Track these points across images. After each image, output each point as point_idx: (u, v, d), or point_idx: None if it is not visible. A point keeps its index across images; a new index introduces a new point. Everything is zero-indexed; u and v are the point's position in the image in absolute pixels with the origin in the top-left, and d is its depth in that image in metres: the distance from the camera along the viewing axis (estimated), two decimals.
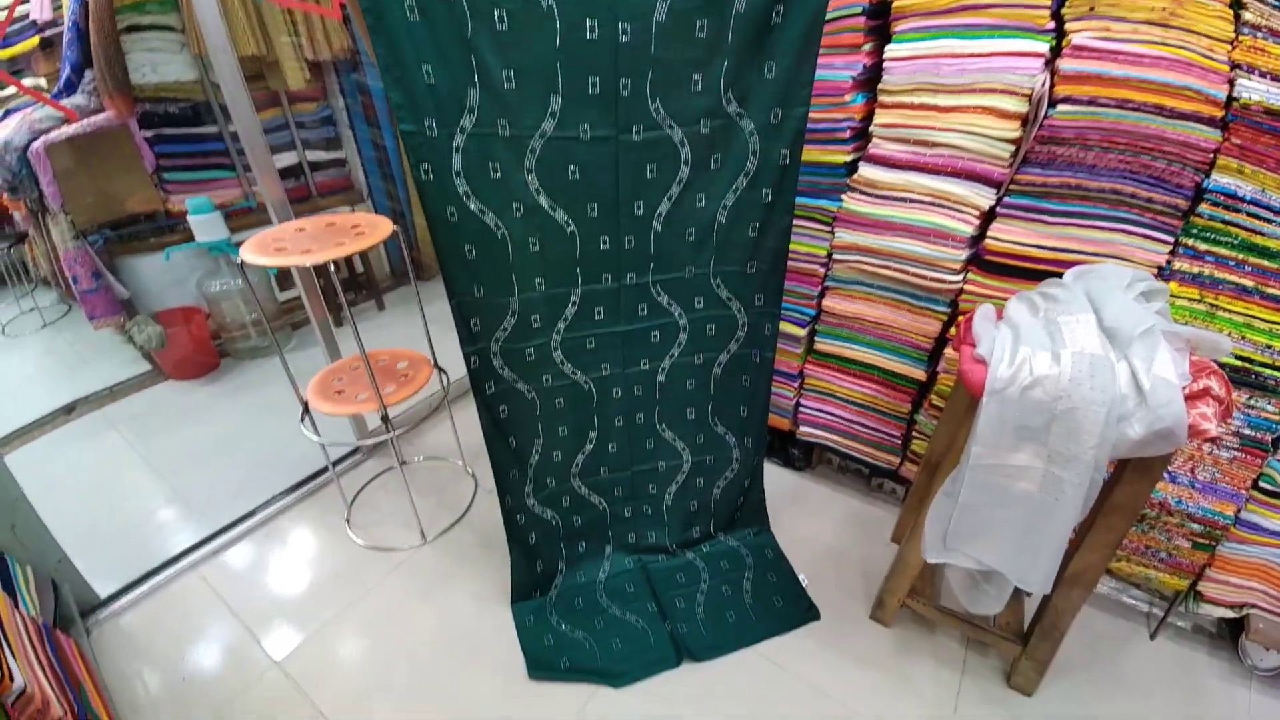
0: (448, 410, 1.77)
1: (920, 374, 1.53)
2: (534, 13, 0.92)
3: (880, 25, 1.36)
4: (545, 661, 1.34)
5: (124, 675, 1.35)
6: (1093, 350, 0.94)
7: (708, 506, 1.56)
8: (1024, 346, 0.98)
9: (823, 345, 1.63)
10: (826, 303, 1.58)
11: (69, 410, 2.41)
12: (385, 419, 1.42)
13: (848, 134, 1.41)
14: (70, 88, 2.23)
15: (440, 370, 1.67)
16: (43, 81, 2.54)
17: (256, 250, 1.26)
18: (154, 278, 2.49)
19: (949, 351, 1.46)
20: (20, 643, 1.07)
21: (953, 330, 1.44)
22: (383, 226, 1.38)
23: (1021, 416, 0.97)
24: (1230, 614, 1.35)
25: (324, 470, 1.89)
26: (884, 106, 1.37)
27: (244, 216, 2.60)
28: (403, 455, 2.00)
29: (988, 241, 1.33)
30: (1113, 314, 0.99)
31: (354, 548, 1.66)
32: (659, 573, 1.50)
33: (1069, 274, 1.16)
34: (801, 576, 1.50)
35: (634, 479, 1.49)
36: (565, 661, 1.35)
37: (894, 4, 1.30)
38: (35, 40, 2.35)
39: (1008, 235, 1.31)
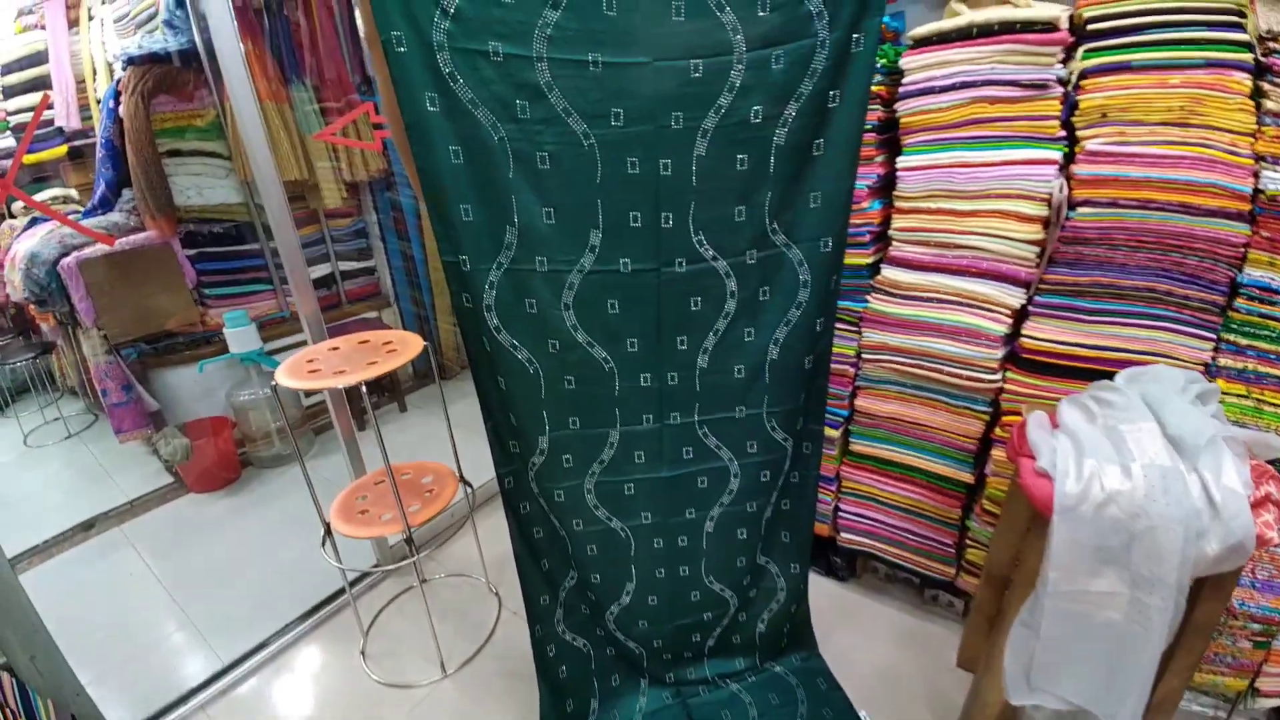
0: (472, 523, 1.72)
1: (967, 476, 1.46)
2: (575, 152, 0.95)
3: (889, 138, 1.42)
4: None
5: None
6: (1163, 462, 0.89)
7: (753, 640, 1.44)
8: (1089, 459, 0.94)
9: (859, 446, 1.57)
10: (859, 403, 1.54)
11: (88, 527, 2.38)
12: (410, 541, 1.36)
13: (868, 238, 1.44)
14: (106, 204, 2.33)
15: (466, 484, 1.63)
16: (73, 192, 2.69)
17: (291, 374, 1.27)
18: (185, 389, 2.54)
19: (997, 453, 1.39)
20: None
21: (998, 430, 1.39)
22: (414, 344, 1.40)
23: (1098, 537, 0.90)
24: None
25: (340, 592, 1.80)
26: (901, 212, 1.40)
27: (277, 326, 2.69)
28: (424, 573, 1.91)
29: (1023, 340, 1.30)
30: (1175, 421, 0.94)
31: (369, 684, 1.55)
32: (702, 710, 1.36)
33: (1121, 377, 1.12)
34: (863, 714, 1.35)
35: (675, 632, 1.38)
36: None
37: (901, 120, 1.36)
38: (64, 149, 2.50)
39: (1043, 334, 1.29)
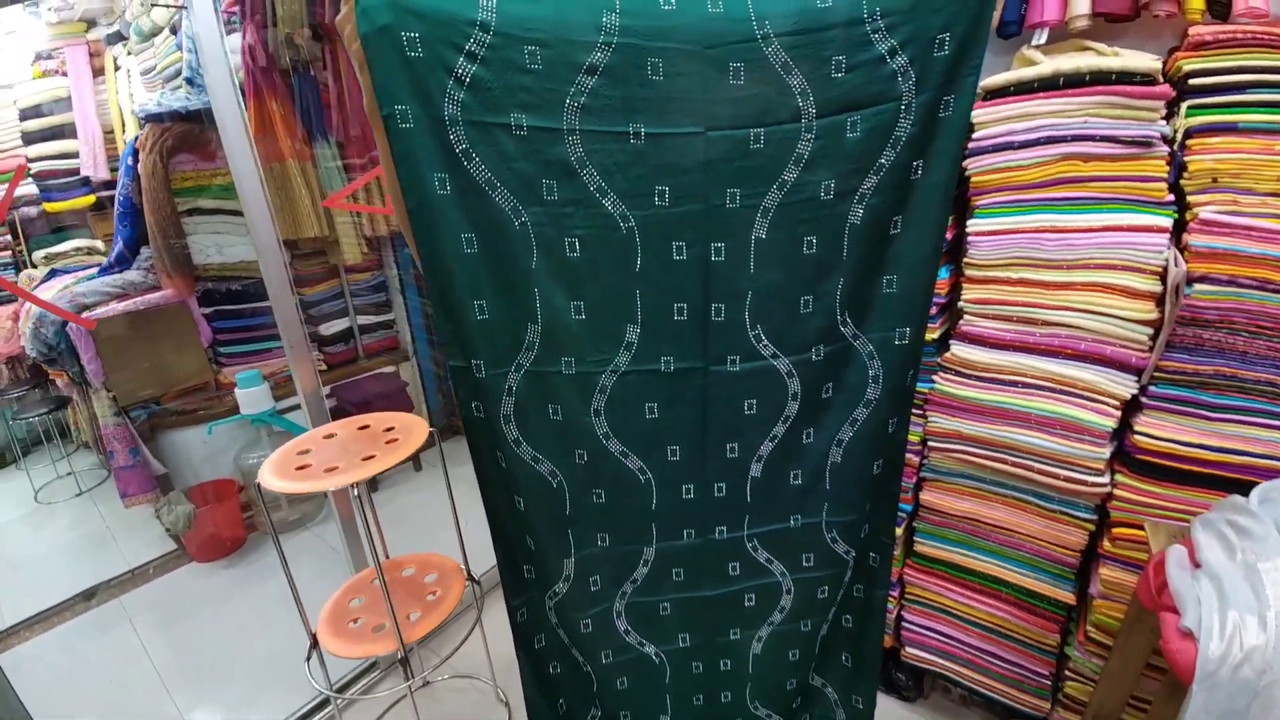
0: (480, 626, 1.53)
1: (1067, 595, 1.22)
2: (611, 237, 0.80)
3: (955, 196, 1.25)
4: None
5: None
6: None
7: None
8: (1232, 611, 0.76)
9: (926, 548, 1.35)
10: (925, 496, 1.33)
11: (89, 596, 2.28)
12: (405, 662, 1.18)
13: (933, 310, 1.25)
14: (123, 262, 2.28)
15: (473, 582, 1.45)
16: (99, 244, 2.67)
17: (278, 470, 1.12)
18: (193, 451, 2.44)
19: (1107, 572, 1.15)
20: None
21: (1106, 544, 1.15)
22: (418, 431, 1.25)
23: (1228, 700, 0.74)
24: None
25: (328, 703, 1.62)
26: (973, 281, 1.21)
27: (291, 384, 2.58)
28: (425, 668, 1.71)
29: (1137, 438, 1.09)
30: None
31: None
32: None
33: (1255, 495, 0.91)
34: None
35: None
36: None
37: (972, 179, 1.19)
38: (89, 199, 2.47)
39: (1161, 432, 1.07)
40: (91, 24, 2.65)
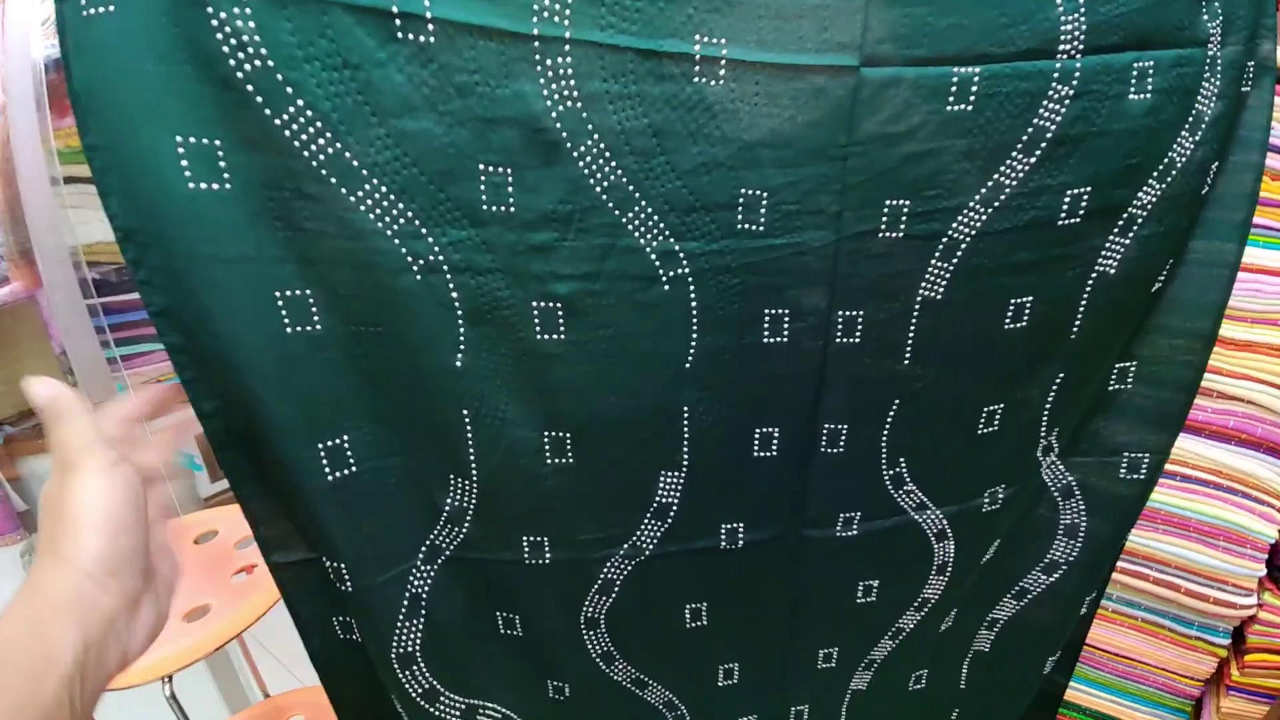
0: None
1: None
2: (637, 297, 0.39)
3: None
4: None
5: None
6: None
7: None
8: None
9: None
10: None
11: None
12: None
13: None
14: None
15: None
16: None
17: None
18: None
19: (1230, 704, 0.89)
20: None
21: (1234, 674, 0.89)
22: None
23: None
24: None
25: None
26: None
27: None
28: None
29: None
30: None
31: None
32: None
33: None
34: None
35: None
36: None
37: None
38: None
39: None
40: None
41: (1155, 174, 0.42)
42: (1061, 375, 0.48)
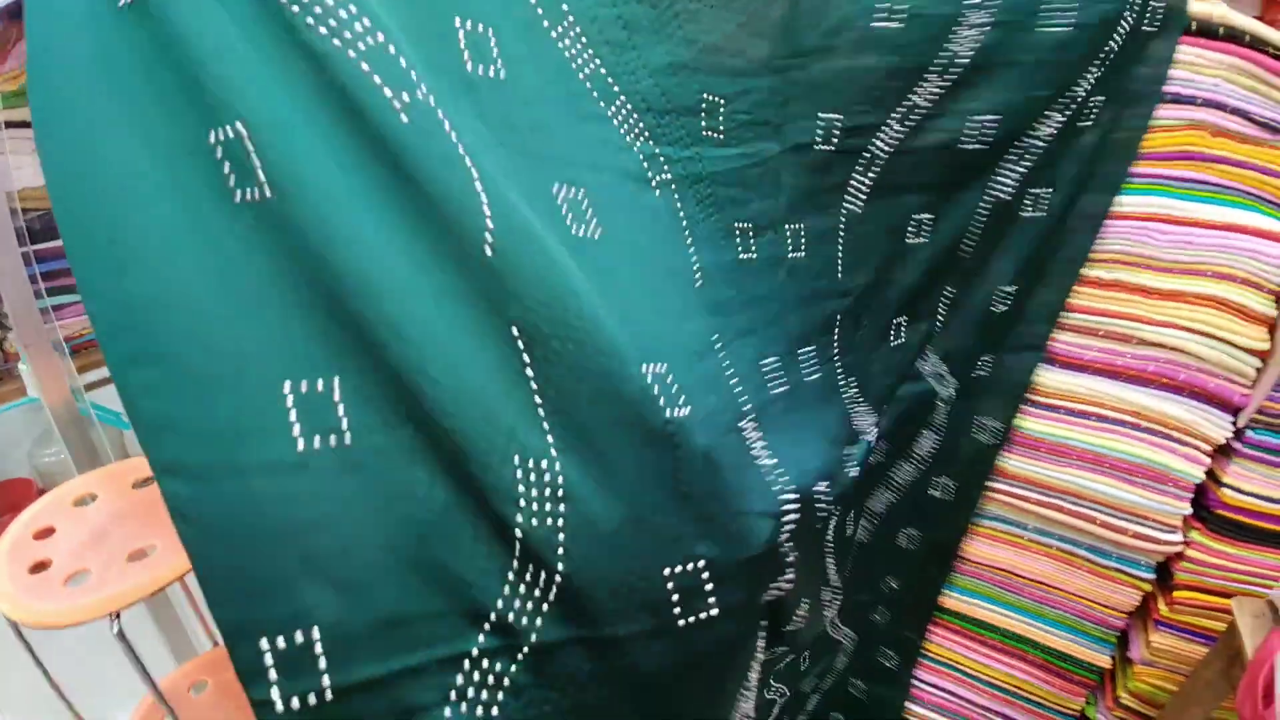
0: None
1: (1104, 660, 1.04)
2: (627, 198, 0.40)
3: None
4: None
5: None
6: None
7: None
8: None
9: (949, 600, 1.13)
10: None
11: None
12: None
13: None
14: None
15: None
16: None
17: (5, 572, 0.68)
18: None
19: (1159, 638, 0.97)
20: None
21: (1162, 608, 0.97)
22: None
23: None
24: None
25: None
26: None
27: (95, 351, 1.95)
28: None
29: (1224, 493, 0.89)
30: None
31: None
32: None
33: None
34: None
35: None
36: None
37: None
38: None
39: (1250, 485, 0.89)
40: None
41: (1059, 103, 0.46)
42: (952, 291, 0.53)
